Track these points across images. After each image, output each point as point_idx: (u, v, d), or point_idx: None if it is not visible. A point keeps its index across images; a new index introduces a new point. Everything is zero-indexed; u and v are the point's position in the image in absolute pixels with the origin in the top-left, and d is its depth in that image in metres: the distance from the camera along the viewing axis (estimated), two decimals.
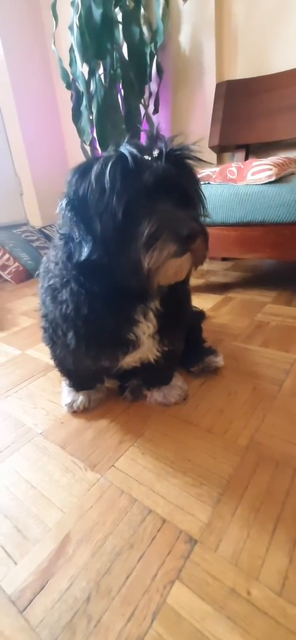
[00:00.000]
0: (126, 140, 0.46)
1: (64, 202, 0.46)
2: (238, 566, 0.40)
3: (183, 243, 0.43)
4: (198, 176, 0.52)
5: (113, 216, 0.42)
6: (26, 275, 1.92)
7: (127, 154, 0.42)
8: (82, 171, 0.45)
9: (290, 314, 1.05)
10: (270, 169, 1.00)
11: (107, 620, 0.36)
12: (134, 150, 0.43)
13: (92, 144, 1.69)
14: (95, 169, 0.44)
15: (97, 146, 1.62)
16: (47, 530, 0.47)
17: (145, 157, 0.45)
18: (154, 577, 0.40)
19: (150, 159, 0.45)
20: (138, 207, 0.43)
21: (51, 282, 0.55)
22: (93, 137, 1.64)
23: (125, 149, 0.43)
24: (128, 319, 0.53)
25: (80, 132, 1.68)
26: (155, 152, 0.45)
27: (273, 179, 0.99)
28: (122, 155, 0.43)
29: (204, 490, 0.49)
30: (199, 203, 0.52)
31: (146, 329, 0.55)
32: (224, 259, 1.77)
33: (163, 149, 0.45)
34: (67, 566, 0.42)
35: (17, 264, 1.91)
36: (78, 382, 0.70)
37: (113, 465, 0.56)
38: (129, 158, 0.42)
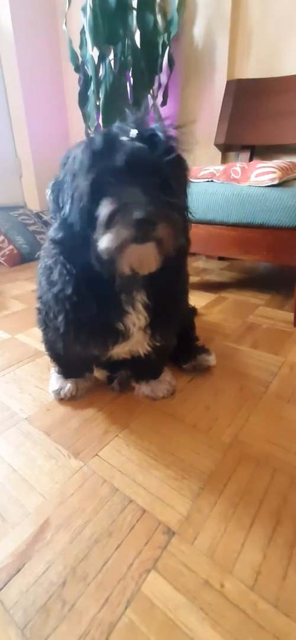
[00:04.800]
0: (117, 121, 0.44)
1: (50, 183, 0.48)
2: (213, 559, 0.40)
3: (139, 229, 0.40)
4: (185, 164, 0.48)
5: (80, 196, 0.43)
6: (20, 258, 1.90)
7: (99, 135, 0.42)
8: (66, 154, 0.46)
9: (282, 318, 1.06)
10: (274, 172, 0.99)
11: (81, 605, 0.37)
12: (108, 131, 0.43)
13: (96, 131, 1.66)
14: (74, 151, 0.45)
15: None
16: (26, 514, 0.47)
17: (123, 138, 0.42)
18: (130, 566, 0.40)
19: (127, 139, 0.42)
20: (107, 189, 0.41)
21: (46, 261, 0.54)
22: (98, 124, 1.61)
23: (109, 130, 0.43)
24: (116, 308, 0.53)
25: (86, 117, 1.65)
26: (133, 133, 0.42)
27: (276, 182, 0.99)
28: (96, 137, 0.43)
29: (185, 484, 0.50)
30: (180, 192, 0.48)
31: (136, 320, 0.55)
32: (220, 259, 1.77)
33: (138, 129, 0.42)
34: (45, 550, 0.42)
35: (11, 246, 1.88)
36: (67, 369, 0.70)
37: (97, 454, 0.56)
38: (99, 138, 0.42)
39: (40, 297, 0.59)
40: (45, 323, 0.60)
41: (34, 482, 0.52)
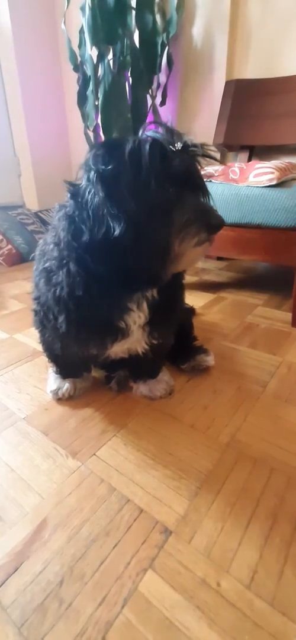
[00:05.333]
0: (143, 129, 0.46)
1: (92, 174, 0.43)
2: (210, 558, 0.40)
3: (211, 233, 0.46)
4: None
5: (150, 196, 0.43)
6: (19, 258, 1.90)
7: (161, 139, 0.43)
8: (110, 147, 0.44)
9: (279, 318, 1.06)
10: (272, 173, 1.00)
11: (78, 604, 0.37)
12: (165, 139, 0.44)
13: (95, 130, 1.66)
14: (129, 147, 0.43)
15: (101, 133, 1.60)
16: (24, 513, 0.47)
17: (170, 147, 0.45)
18: (128, 565, 0.40)
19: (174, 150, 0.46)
20: (167, 193, 0.44)
21: (47, 264, 0.54)
22: (97, 124, 1.61)
23: (155, 135, 0.44)
24: (121, 306, 0.53)
25: (85, 117, 1.65)
26: (178, 145, 0.46)
27: (274, 182, 0.99)
28: (157, 139, 0.43)
29: (183, 483, 0.50)
30: (209, 197, 0.53)
31: (137, 318, 0.55)
32: (219, 259, 1.77)
33: (189, 143, 0.46)
34: (42, 550, 0.42)
35: (10, 246, 1.88)
36: (65, 369, 0.70)
37: (94, 454, 0.56)
38: (166, 144, 0.43)
39: (37, 299, 0.59)
40: (43, 324, 0.60)
41: (32, 481, 0.52)
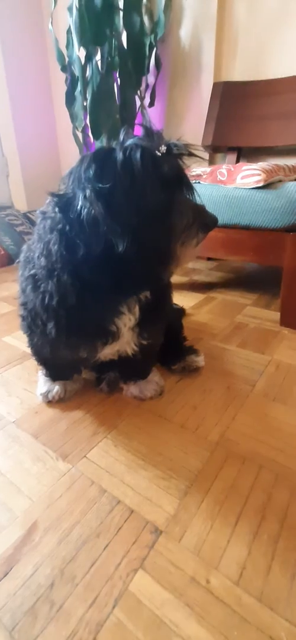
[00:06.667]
0: (124, 132, 0.46)
1: (89, 193, 0.42)
2: (199, 556, 0.41)
3: (207, 231, 0.48)
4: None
5: (148, 206, 0.43)
6: (7, 260, 1.87)
7: (148, 146, 0.43)
8: (101, 161, 0.43)
9: (268, 317, 1.08)
10: (259, 174, 1.01)
11: (69, 606, 0.37)
12: (151, 145, 0.44)
13: (84, 131, 1.65)
14: (119, 158, 0.42)
15: (89, 133, 1.60)
16: (14, 517, 0.47)
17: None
18: (118, 566, 0.41)
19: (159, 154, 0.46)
20: (162, 198, 0.44)
21: (33, 272, 0.54)
22: (86, 124, 1.61)
23: (139, 142, 0.44)
24: (113, 310, 0.53)
25: (73, 117, 1.64)
26: (163, 149, 0.45)
27: (261, 184, 1.00)
28: (145, 147, 0.43)
29: (173, 483, 0.51)
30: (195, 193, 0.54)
31: (127, 320, 0.55)
32: (209, 259, 1.79)
33: (172, 145, 0.46)
34: (33, 553, 0.42)
35: None
36: (54, 371, 0.70)
37: (85, 456, 0.56)
38: (154, 150, 0.44)
39: (24, 304, 0.58)
40: (31, 329, 0.59)
41: (22, 485, 0.51)
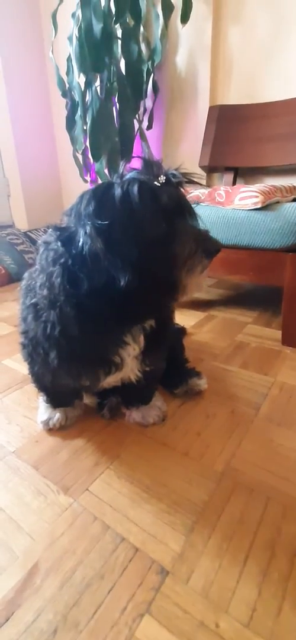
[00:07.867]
0: (123, 165, 0.47)
1: (90, 230, 0.42)
2: (208, 599, 0.40)
3: (211, 258, 0.48)
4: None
5: (148, 238, 0.43)
6: (8, 279, 1.88)
7: (146, 180, 0.44)
8: (100, 196, 0.44)
9: (270, 336, 1.07)
10: (257, 197, 1.03)
11: None
12: (149, 178, 0.45)
13: (84, 153, 1.69)
14: (118, 193, 0.43)
15: (89, 155, 1.63)
16: (14, 558, 0.45)
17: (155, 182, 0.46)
18: (124, 610, 0.39)
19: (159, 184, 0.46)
20: (162, 229, 0.45)
21: (34, 300, 0.53)
22: (85, 147, 1.64)
23: (137, 176, 0.44)
24: (117, 341, 0.53)
25: (73, 140, 1.67)
26: (162, 179, 0.46)
27: (259, 206, 1.02)
28: (143, 181, 0.43)
29: (178, 518, 0.49)
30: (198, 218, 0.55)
31: (132, 350, 0.55)
32: (208, 276, 1.80)
33: (170, 174, 0.47)
34: (34, 597, 0.41)
35: None
36: (55, 398, 0.69)
37: (87, 489, 0.55)
38: (151, 182, 0.44)
39: (24, 333, 0.58)
40: (32, 357, 0.59)
41: (22, 522, 0.50)
